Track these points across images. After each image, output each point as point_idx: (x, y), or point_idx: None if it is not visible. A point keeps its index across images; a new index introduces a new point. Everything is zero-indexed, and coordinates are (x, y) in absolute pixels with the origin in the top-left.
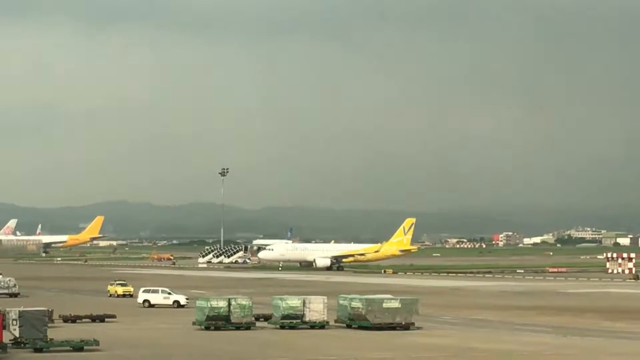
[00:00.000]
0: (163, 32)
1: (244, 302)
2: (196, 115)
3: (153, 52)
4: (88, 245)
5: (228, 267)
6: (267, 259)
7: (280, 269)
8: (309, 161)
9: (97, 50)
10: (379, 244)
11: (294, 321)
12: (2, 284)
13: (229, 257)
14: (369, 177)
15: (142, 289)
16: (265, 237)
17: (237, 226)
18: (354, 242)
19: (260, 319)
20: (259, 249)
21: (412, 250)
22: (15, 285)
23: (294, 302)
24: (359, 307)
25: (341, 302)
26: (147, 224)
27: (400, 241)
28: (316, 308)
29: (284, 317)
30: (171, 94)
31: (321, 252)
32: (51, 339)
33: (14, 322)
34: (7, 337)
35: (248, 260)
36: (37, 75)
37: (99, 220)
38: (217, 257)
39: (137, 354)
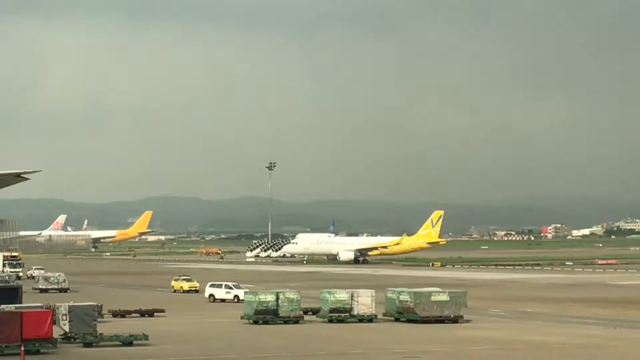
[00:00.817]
0: (206, 29)
1: (292, 296)
2: (243, 110)
3: (198, 48)
4: (137, 240)
5: (276, 261)
6: (291, 253)
7: (305, 262)
8: (356, 154)
9: (143, 48)
10: (400, 237)
11: (342, 315)
12: (52, 279)
13: (276, 250)
14: (416, 169)
15: (209, 284)
16: (313, 230)
17: (284, 220)
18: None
19: (309, 313)
20: None
21: (441, 243)
22: (64, 281)
23: (342, 295)
24: (407, 300)
25: (389, 295)
26: (195, 219)
27: (428, 234)
28: (364, 301)
29: (332, 310)
30: (218, 89)
31: (344, 246)
32: (101, 334)
33: (64, 317)
34: (57, 332)
35: (296, 255)
36: (86, 73)
37: (147, 215)
38: (265, 250)
39: (185, 349)
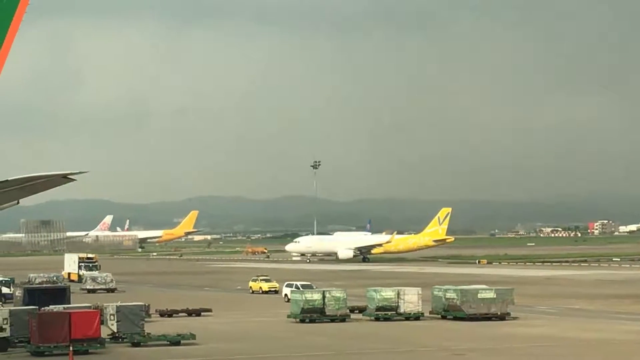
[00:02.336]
0: (247, 29)
1: (338, 295)
2: (288, 109)
3: (240, 48)
4: (183, 239)
5: (321, 260)
6: (294, 252)
7: (308, 261)
8: (400, 153)
9: (186, 49)
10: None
11: (388, 313)
12: (100, 279)
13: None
14: (459, 167)
15: (285, 284)
16: (358, 229)
17: (329, 219)
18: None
19: (355, 311)
20: None
21: (448, 241)
22: (112, 281)
23: (388, 293)
24: (453, 298)
25: (436, 293)
26: (241, 218)
27: (435, 231)
28: (411, 299)
29: (379, 308)
30: (262, 89)
31: (345, 244)
32: (148, 334)
33: (112, 317)
34: (105, 332)
35: None
36: (131, 74)
37: (193, 215)
38: None
39: (232, 348)
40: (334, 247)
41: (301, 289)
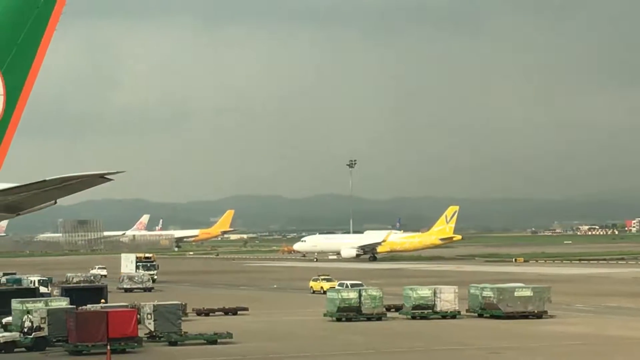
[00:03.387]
0: (286, 28)
1: (374, 293)
2: (324, 109)
3: (278, 48)
4: (219, 239)
5: (362, 259)
6: (301, 250)
7: (315, 260)
8: (437, 151)
9: (225, 48)
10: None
11: (425, 311)
12: (136, 279)
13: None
14: (496, 166)
15: (338, 283)
16: (393, 227)
17: (365, 217)
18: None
19: (392, 310)
20: None
21: (455, 239)
22: (149, 280)
23: (424, 292)
24: (490, 296)
25: (472, 291)
26: (277, 217)
27: (442, 230)
28: (447, 298)
29: (415, 307)
30: (298, 88)
31: (348, 243)
32: (185, 333)
33: (149, 316)
34: (142, 331)
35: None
36: (169, 74)
37: (229, 214)
38: None
39: (269, 346)
40: (338, 246)
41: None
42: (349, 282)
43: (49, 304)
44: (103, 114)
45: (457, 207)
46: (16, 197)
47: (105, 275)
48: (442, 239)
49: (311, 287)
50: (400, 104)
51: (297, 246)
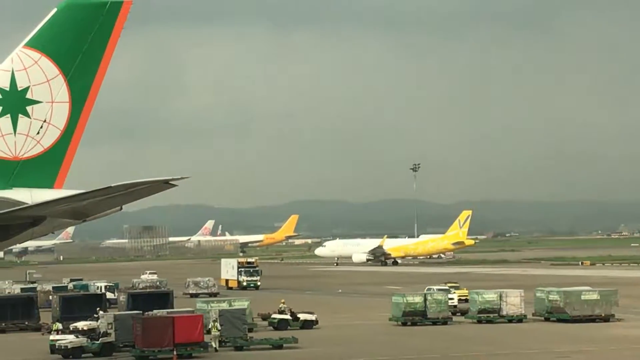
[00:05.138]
0: (347, 32)
1: (439, 297)
2: (387, 112)
3: (340, 51)
4: (283, 243)
5: (422, 263)
6: (321, 255)
7: (336, 265)
8: (501, 154)
9: (285, 51)
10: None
11: (490, 315)
12: (202, 284)
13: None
14: (559, 168)
15: (426, 288)
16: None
17: (429, 221)
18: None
19: (457, 314)
20: None
21: (467, 244)
22: (214, 285)
23: (490, 296)
24: (556, 300)
25: (538, 295)
26: (341, 221)
27: (455, 234)
28: (513, 301)
29: (481, 311)
30: (361, 92)
31: (361, 248)
32: (251, 337)
33: (215, 322)
34: (208, 337)
35: (442, 255)
36: (232, 79)
37: (293, 219)
38: None
39: (334, 351)
40: (352, 251)
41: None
42: (435, 288)
43: (232, 304)
44: (167, 120)
45: (469, 212)
46: (82, 204)
47: (258, 286)
48: (454, 244)
49: None
50: (465, 106)
51: (318, 251)
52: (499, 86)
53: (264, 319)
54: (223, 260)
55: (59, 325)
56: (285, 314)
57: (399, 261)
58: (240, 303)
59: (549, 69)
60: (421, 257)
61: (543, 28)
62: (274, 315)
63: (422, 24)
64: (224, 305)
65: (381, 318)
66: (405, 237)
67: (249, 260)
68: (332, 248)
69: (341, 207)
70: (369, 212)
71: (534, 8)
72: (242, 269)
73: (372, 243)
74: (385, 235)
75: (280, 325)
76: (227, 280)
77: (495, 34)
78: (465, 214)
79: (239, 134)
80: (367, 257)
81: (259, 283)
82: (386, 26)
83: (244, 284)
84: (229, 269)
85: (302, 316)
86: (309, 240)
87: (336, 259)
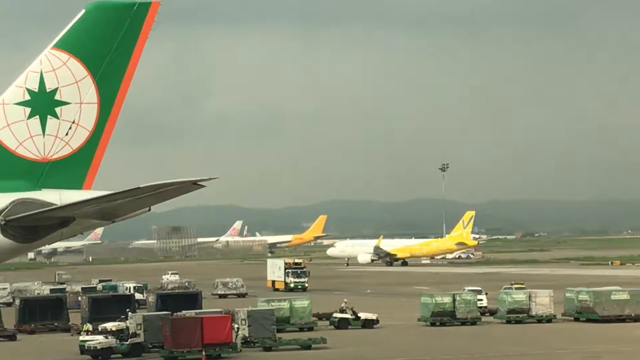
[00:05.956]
0: (374, 31)
1: (468, 297)
2: (414, 112)
3: (367, 51)
4: (312, 244)
5: (451, 263)
6: (332, 256)
7: (347, 265)
8: (532, 153)
9: (313, 52)
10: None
11: (520, 315)
12: (230, 284)
13: (452, 252)
14: (588, 168)
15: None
16: (487, 231)
17: (458, 221)
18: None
19: (486, 314)
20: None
21: (470, 244)
22: (242, 286)
23: (519, 296)
24: (586, 300)
25: (568, 295)
26: (369, 221)
27: (459, 235)
28: (542, 301)
29: (510, 311)
30: (388, 92)
31: (366, 249)
32: (279, 338)
33: (243, 322)
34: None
35: (471, 256)
36: (259, 79)
37: (322, 219)
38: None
39: (363, 351)
40: (358, 251)
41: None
42: (468, 289)
43: (293, 303)
44: (195, 120)
45: (473, 212)
46: (111, 205)
47: (305, 288)
48: (457, 244)
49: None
50: (494, 106)
51: (329, 251)
52: (527, 86)
53: (319, 319)
54: (269, 261)
55: (89, 326)
56: (347, 313)
57: (408, 262)
58: (301, 302)
59: (577, 69)
60: (450, 258)
61: (570, 27)
62: (335, 315)
63: (449, 23)
64: (285, 305)
65: (410, 318)
66: (432, 237)
67: (297, 260)
68: (341, 248)
69: (370, 207)
70: (398, 212)
71: (559, 8)
72: (290, 270)
73: (388, 244)
74: (381, 236)
75: (341, 324)
76: (273, 282)
77: (521, 34)
78: (469, 214)
79: (267, 134)
80: (372, 258)
81: (306, 284)
82: (414, 26)
83: (292, 285)
84: (275, 270)
85: (363, 315)
86: (336, 241)
87: (346, 259)
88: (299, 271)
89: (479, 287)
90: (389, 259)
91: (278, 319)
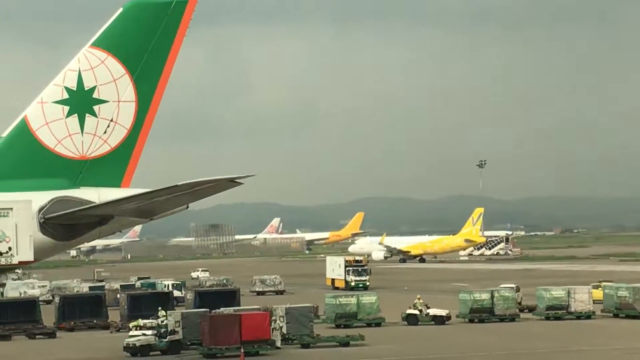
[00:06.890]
0: (412, 28)
1: (507, 294)
2: (452, 109)
3: (403, 48)
4: (349, 241)
5: (489, 259)
6: (353, 253)
7: (367, 262)
8: (568, 150)
9: (350, 49)
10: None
11: (559, 312)
12: (268, 282)
13: (490, 249)
14: (627, 163)
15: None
16: (526, 228)
17: (496, 218)
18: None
19: (525, 310)
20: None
21: (478, 241)
22: (280, 283)
23: (558, 292)
24: (625, 296)
25: (607, 291)
26: (407, 218)
27: (468, 232)
28: (581, 298)
29: (549, 308)
30: (426, 89)
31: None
32: (318, 335)
33: (281, 319)
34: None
35: (510, 252)
36: (295, 76)
37: (359, 216)
38: (479, 249)
39: (400, 349)
40: (375, 249)
41: None
42: (506, 286)
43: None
44: (232, 118)
45: (482, 209)
46: (149, 202)
47: (366, 287)
48: (466, 241)
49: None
50: (531, 102)
51: (351, 248)
52: (565, 82)
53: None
54: (328, 259)
55: (140, 322)
56: (420, 309)
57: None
58: (369, 298)
59: (616, 64)
60: (488, 254)
61: (609, 21)
62: (408, 311)
63: (486, 21)
64: (352, 300)
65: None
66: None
67: (357, 259)
68: (361, 245)
69: (407, 204)
70: (435, 209)
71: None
72: (350, 268)
73: (396, 241)
74: (384, 233)
75: (410, 320)
76: (333, 280)
77: (558, 29)
78: (478, 211)
79: (304, 131)
80: (385, 255)
81: (368, 283)
82: (450, 23)
83: (352, 284)
84: (335, 268)
85: (432, 311)
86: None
87: (367, 256)
88: (360, 269)
89: (514, 284)
90: (403, 256)
91: (345, 314)
